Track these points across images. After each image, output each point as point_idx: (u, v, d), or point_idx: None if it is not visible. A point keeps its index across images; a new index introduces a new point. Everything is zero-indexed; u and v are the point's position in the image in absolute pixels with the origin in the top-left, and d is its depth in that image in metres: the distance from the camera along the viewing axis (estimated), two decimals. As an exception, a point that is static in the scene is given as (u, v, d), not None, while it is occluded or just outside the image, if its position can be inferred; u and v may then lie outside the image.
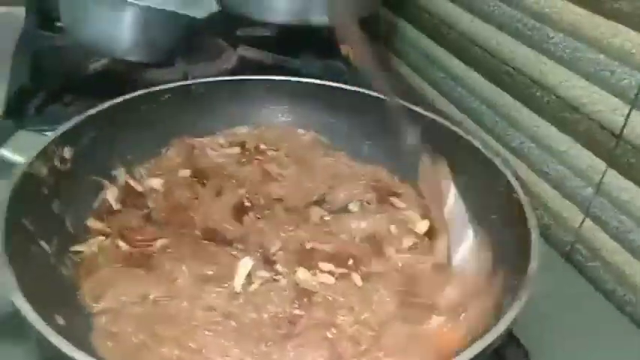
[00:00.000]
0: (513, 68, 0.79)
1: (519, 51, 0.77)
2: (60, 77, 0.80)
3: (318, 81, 0.73)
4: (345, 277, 0.54)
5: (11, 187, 0.48)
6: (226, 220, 0.59)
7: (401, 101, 0.61)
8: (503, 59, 0.80)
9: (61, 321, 0.43)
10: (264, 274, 0.53)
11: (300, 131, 0.74)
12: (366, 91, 0.70)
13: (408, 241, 0.59)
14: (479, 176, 0.60)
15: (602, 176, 0.67)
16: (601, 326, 0.60)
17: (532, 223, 0.51)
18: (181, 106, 0.69)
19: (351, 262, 0.55)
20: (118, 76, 0.83)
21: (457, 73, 0.91)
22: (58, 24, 0.86)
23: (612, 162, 0.66)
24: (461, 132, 0.65)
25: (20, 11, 0.91)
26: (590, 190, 0.69)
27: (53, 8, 0.84)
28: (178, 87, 0.69)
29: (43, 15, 0.91)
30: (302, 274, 0.53)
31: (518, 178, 0.58)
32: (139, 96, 0.65)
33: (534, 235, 0.50)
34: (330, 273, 0.54)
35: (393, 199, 0.65)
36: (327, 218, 0.61)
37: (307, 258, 0.55)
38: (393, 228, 0.60)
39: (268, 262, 0.55)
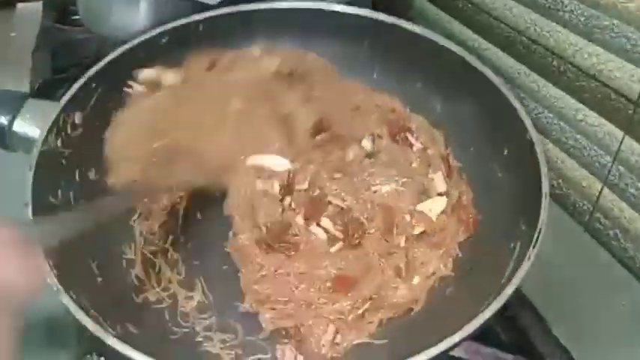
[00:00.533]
0: (528, 38, 0.78)
1: (534, 20, 0.76)
2: (81, 70, 0.82)
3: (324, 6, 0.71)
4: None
5: (32, 168, 0.50)
6: None
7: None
8: (518, 29, 0.80)
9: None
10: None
11: (313, 55, 0.71)
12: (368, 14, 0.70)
13: (419, 228, 0.58)
14: (493, 110, 0.62)
15: (620, 144, 0.67)
16: (619, 294, 0.60)
17: (542, 160, 0.54)
18: (181, 46, 0.67)
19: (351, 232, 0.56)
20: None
21: (472, 45, 0.90)
22: (76, 17, 0.88)
23: (630, 129, 0.65)
24: (475, 62, 0.67)
25: (38, 6, 0.93)
26: (608, 159, 0.69)
27: (70, 2, 0.86)
28: (176, 27, 0.68)
29: (61, 9, 0.93)
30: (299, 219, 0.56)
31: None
32: (138, 44, 0.65)
33: (544, 169, 0.52)
34: (325, 231, 0.56)
35: (408, 135, 0.66)
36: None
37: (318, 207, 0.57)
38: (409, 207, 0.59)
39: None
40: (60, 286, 0.42)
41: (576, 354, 0.50)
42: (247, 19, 0.70)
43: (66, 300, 0.41)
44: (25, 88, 0.75)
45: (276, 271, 0.53)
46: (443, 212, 0.58)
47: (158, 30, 0.67)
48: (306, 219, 0.56)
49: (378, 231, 0.56)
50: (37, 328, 0.54)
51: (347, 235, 0.55)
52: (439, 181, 0.61)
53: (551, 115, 0.76)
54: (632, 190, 0.66)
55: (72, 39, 0.87)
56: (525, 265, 0.42)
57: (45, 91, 0.76)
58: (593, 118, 0.70)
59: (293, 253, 0.54)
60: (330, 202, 0.57)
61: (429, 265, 0.54)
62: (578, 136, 0.72)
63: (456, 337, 0.38)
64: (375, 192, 0.58)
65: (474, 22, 0.90)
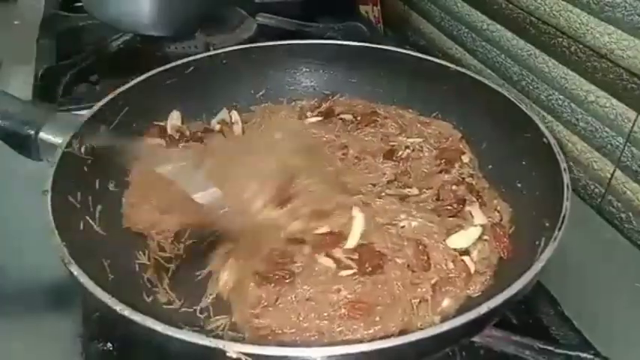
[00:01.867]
0: (538, 19, 0.76)
1: (544, 0, 0.75)
2: (84, 57, 0.81)
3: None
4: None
5: (53, 166, 0.50)
6: None
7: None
8: (527, 9, 0.78)
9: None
10: None
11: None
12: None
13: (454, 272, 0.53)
14: (506, 123, 0.61)
15: (633, 125, 0.65)
16: (633, 276, 0.60)
17: (563, 165, 0.52)
18: (207, 75, 0.69)
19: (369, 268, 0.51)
20: (141, 52, 0.84)
21: (481, 27, 0.89)
22: (78, 4, 0.87)
23: (643, 110, 0.64)
24: (486, 81, 0.65)
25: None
26: (620, 140, 0.67)
27: (72, -11, 0.85)
28: (202, 58, 0.69)
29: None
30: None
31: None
32: (164, 70, 0.65)
33: (566, 177, 0.50)
34: (336, 261, 0.52)
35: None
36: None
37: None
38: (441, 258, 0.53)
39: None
40: (71, 259, 0.42)
41: (591, 336, 0.49)
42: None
43: (77, 272, 0.41)
44: (30, 75, 0.75)
45: (277, 300, 0.48)
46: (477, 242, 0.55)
47: (185, 60, 0.68)
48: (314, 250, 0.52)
49: (405, 260, 0.51)
50: (41, 295, 0.55)
51: (361, 264, 0.50)
52: (477, 214, 0.57)
53: (561, 97, 0.75)
54: (645, 172, 0.65)
55: (75, 26, 0.87)
56: (551, 246, 0.42)
57: (49, 78, 0.76)
58: (604, 99, 0.68)
59: (291, 279, 0.49)
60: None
61: (460, 291, 0.49)
62: (590, 118, 0.71)
63: (484, 308, 0.38)
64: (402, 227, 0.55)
65: (482, 4, 0.88)
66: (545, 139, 0.54)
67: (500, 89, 0.63)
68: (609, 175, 0.70)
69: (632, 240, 0.66)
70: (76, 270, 0.40)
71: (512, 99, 0.61)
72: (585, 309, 0.52)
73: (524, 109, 0.58)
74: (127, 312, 0.37)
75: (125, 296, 0.40)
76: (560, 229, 0.44)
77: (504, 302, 0.38)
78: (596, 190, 0.72)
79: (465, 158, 0.64)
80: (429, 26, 1.04)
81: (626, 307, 0.54)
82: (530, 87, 0.80)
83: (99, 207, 0.53)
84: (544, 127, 0.55)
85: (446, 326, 0.36)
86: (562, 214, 0.45)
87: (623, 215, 0.69)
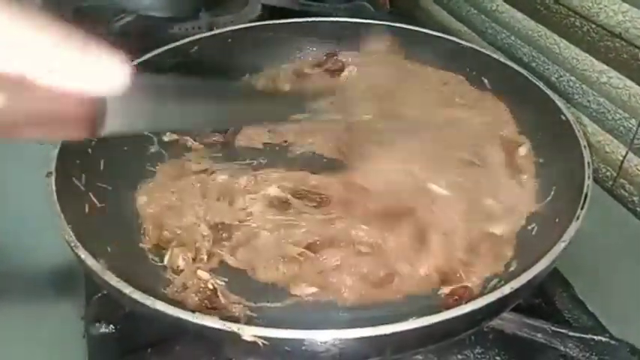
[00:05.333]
0: (549, -2, 0.75)
1: (555, -21, 0.73)
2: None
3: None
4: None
5: (56, 148, 0.50)
6: None
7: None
8: (538, -11, 0.77)
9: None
10: None
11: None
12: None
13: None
14: (524, 100, 0.61)
15: (647, 106, 0.64)
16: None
17: (583, 142, 0.52)
18: (212, 56, 0.68)
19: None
20: (144, 33, 0.82)
21: (490, 7, 0.87)
22: (80, -16, 0.86)
23: (657, 91, 0.63)
24: (503, 59, 0.65)
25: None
26: (633, 122, 0.66)
27: (77, -32, 0.84)
28: (206, 37, 0.68)
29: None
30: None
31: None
32: (166, 51, 0.64)
33: (586, 154, 0.50)
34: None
35: None
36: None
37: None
38: None
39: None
40: (78, 242, 0.41)
41: (604, 319, 0.48)
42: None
43: (84, 254, 0.40)
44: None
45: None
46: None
47: (195, 37, 0.67)
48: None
49: None
50: (42, 277, 0.55)
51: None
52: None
53: (573, 78, 0.73)
54: (659, 154, 0.64)
55: (77, 7, 0.85)
56: (575, 225, 0.41)
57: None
58: (617, 79, 0.67)
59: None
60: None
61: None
62: (602, 100, 0.69)
63: (507, 289, 0.37)
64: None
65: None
66: (563, 116, 0.53)
67: (516, 66, 0.62)
68: (621, 158, 0.68)
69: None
70: (83, 253, 0.39)
71: (531, 77, 0.60)
72: (598, 291, 0.51)
73: (542, 87, 0.57)
74: (138, 295, 0.36)
75: (132, 278, 0.39)
76: (582, 207, 0.43)
77: (528, 282, 0.37)
78: (608, 173, 0.71)
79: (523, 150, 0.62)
80: (437, 7, 1.02)
81: (638, 290, 0.53)
82: (541, 68, 0.78)
83: (104, 189, 0.52)
84: (562, 104, 0.54)
85: (468, 307, 0.35)
86: (584, 192, 0.44)
87: (635, 198, 0.68)
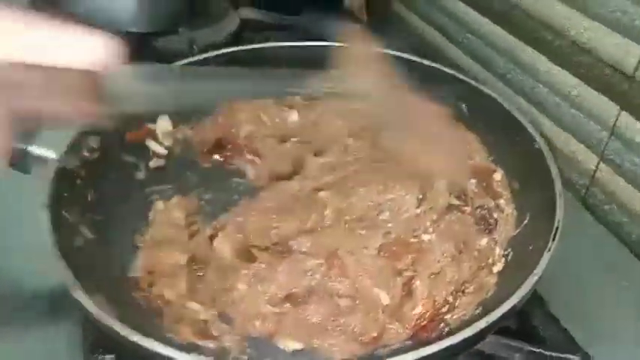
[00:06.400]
0: (523, 11, 0.77)
1: (528, -7, 0.75)
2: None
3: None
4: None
5: (49, 184, 0.50)
6: None
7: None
8: (512, 2, 0.78)
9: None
10: None
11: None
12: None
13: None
14: (498, 127, 0.61)
15: (616, 119, 0.67)
16: (616, 269, 0.61)
17: (554, 171, 0.53)
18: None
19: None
20: (128, 48, 0.82)
21: (466, 19, 0.89)
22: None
23: (626, 104, 0.65)
24: (479, 85, 0.66)
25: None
26: (604, 134, 0.69)
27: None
28: (193, 62, 0.67)
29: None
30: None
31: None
32: None
33: (557, 185, 0.51)
34: None
35: None
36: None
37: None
38: None
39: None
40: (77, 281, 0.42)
41: (577, 335, 0.50)
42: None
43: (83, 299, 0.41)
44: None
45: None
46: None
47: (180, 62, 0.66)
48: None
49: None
50: (38, 303, 0.55)
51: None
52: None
53: (546, 89, 0.75)
54: (629, 165, 0.66)
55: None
56: (546, 256, 0.43)
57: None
58: (589, 93, 0.69)
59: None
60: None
61: None
62: (574, 112, 0.72)
63: (483, 323, 0.39)
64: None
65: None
66: (536, 144, 0.55)
67: (489, 91, 0.63)
68: (594, 168, 0.71)
69: (616, 233, 0.68)
70: (81, 297, 0.40)
71: (504, 103, 0.62)
72: (572, 308, 0.53)
73: (515, 115, 0.59)
74: (137, 338, 0.38)
75: (125, 312, 0.40)
76: (554, 239, 0.45)
77: (502, 315, 0.39)
78: (581, 182, 0.73)
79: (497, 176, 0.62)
80: (413, 16, 1.04)
81: (612, 304, 0.56)
82: (516, 79, 0.80)
83: (94, 219, 0.53)
84: (535, 132, 0.56)
85: (446, 343, 0.37)
86: (555, 226, 0.46)
87: (606, 207, 0.70)
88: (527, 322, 0.51)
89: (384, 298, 0.49)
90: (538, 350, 0.45)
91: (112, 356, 0.48)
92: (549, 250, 0.44)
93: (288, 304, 0.50)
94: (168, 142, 0.63)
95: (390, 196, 0.56)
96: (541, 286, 0.54)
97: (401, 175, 0.57)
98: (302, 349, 0.48)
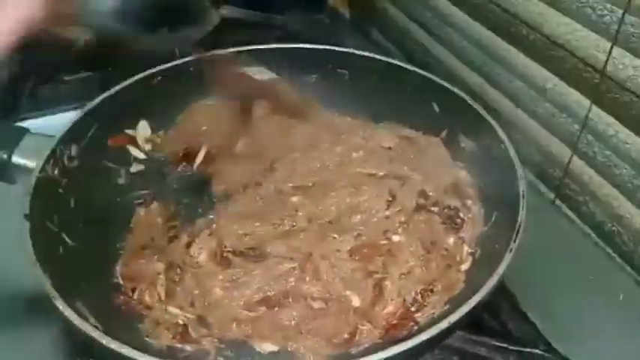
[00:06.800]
0: (498, 6, 0.77)
1: (503, -12, 0.76)
2: (47, 59, 0.80)
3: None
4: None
5: (29, 194, 0.51)
6: None
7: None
8: (488, -4, 0.79)
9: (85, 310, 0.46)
10: None
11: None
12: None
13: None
14: (467, 126, 0.63)
15: (588, 113, 0.68)
16: (583, 263, 0.63)
17: (519, 172, 0.54)
18: (175, 85, 0.69)
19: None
20: (102, 50, 0.83)
21: (444, 12, 0.89)
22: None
23: (597, 98, 0.66)
24: (450, 86, 0.67)
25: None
26: (576, 127, 0.70)
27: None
28: (168, 68, 0.69)
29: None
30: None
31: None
32: (133, 83, 0.66)
33: (522, 185, 0.52)
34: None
35: None
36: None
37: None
38: None
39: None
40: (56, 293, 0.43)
41: (544, 329, 0.52)
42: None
43: (62, 306, 0.43)
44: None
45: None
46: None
47: (156, 69, 0.68)
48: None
49: None
50: (18, 307, 0.57)
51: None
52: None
53: (521, 83, 0.77)
54: (600, 158, 0.68)
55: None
56: (507, 257, 0.45)
57: (12, 86, 0.76)
58: (561, 86, 0.70)
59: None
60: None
61: None
62: (548, 105, 0.73)
63: (445, 323, 0.40)
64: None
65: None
66: (502, 145, 0.56)
67: (457, 90, 0.64)
68: (567, 160, 0.73)
69: (590, 222, 0.70)
70: (61, 305, 0.42)
71: (471, 102, 0.63)
72: (540, 302, 0.55)
73: (483, 114, 0.60)
74: (115, 345, 0.39)
75: (104, 318, 0.42)
76: (515, 240, 0.46)
77: (465, 315, 0.41)
78: (555, 173, 0.75)
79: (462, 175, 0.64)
80: (394, 10, 1.04)
81: (579, 297, 0.58)
82: (493, 73, 0.81)
83: (75, 226, 0.54)
84: (502, 132, 0.57)
85: (410, 343, 0.39)
86: (517, 225, 0.47)
87: (580, 198, 0.72)
88: (496, 317, 0.53)
89: (355, 301, 0.51)
90: (503, 345, 0.47)
91: (92, 360, 0.50)
92: (511, 251, 0.45)
93: (263, 308, 0.51)
94: (148, 147, 0.64)
95: (360, 199, 0.58)
96: (510, 280, 0.56)
97: (370, 178, 0.59)
98: (278, 351, 0.49)
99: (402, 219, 0.57)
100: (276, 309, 0.51)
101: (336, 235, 0.55)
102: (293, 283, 0.53)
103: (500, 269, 0.44)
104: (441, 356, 0.49)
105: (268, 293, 0.52)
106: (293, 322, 0.50)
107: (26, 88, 0.77)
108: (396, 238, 0.56)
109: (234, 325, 0.50)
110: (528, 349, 0.47)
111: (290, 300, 0.52)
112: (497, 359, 0.47)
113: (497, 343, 0.47)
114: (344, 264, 0.53)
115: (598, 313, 0.56)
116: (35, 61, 0.81)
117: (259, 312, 0.51)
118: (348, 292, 0.51)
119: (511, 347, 0.47)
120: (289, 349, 0.49)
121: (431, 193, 0.60)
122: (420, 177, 0.62)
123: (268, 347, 0.49)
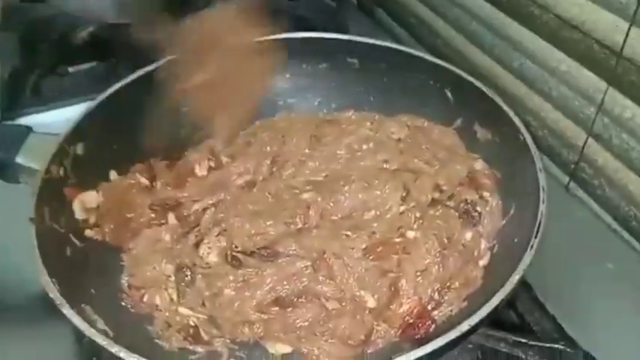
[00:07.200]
0: (510, -15, 0.75)
1: (515, -33, 0.74)
2: (51, 51, 0.79)
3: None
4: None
5: (34, 196, 0.50)
6: None
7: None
8: (498, -24, 0.77)
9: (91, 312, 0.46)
10: None
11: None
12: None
13: None
14: (483, 116, 0.61)
15: (604, 95, 0.66)
16: (603, 252, 0.62)
17: (539, 165, 0.52)
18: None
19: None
20: (108, 41, 0.82)
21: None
22: (40, -6, 0.84)
23: (613, 81, 0.64)
24: (466, 75, 0.65)
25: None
26: (592, 110, 0.68)
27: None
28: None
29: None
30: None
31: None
32: (137, 78, 0.64)
33: (542, 179, 0.51)
34: None
35: None
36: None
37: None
38: None
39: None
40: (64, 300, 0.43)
41: (563, 321, 0.51)
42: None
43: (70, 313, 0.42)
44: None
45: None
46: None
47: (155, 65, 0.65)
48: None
49: None
50: (36, 308, 0.54)
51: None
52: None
53: (535, 65, 0.75)
54: (617, 141, 0.66)
55: (38, 17, 0.84)
56: (528, 255, 0.44)
57: (16, 79, 0.74)
58: (576, 69, 0.69)
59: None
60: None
61: None
62: (562, 87, 0.71)
63: (465, 326, 0.39)
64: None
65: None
66: (521, 136, 0.54)
67: (474, 80, 0.63)
68: (582, 143, 0.71)
69: (605, 206, 0.69)
70: (67, 311, 0.41)
71: (489, 92, 0.61)
72: (558, 293, 0.54)
73: (500, 105, 0.58)
74: (123, 354, 0.39)
75: (113, 320, 0.41)
76: (536, 236, 0.45)
77: (485, 317, 0.40)
78: (570, 157, 0.73)
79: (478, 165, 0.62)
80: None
81: (599, 287, 0.57)
82: (504, 55, 0.79)
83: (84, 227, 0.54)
84: (519, 122, 0.55)
85: (429, 347, 0.38)
86: (538, 220, 0.46)
87: (595, 182, 0.71)
88: (513, 308, 0.52)
89: (370, 301, 0.50)
90: (523, 340, 0.46)
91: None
92: (532, 249, 0.44)
93: (276, 308, 0.51)
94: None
95: (373, 194, 0.56)
96: (527, 271, 0.55)
97: (382, 172, 0.57)
98: (291, 353, 0.49)
99: (417, 214, 0.56)
100: (289, 309, 0.50)
101: (349, 233, 0.54)
102: (306, 283, 0.52)
103: (521, 268, 0.43)
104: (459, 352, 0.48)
105: (281, 294, 0.51)
106: (307, 323, 0.50)
107: (29, 83, 0.75)
108: (410, 234, 0.55)
109: (246, 326, 0.50)
110: (548, 345, 0.46)
111: (303, 300, 0.51)
112: (518, 354, 0.46)
113: (517, 339, 0.46)
114: (358, 263, 0.52)
115: (619, 304, 0.55)
116: (37, 53, 0.79)
117: (271, 313, 0.50)
118: (362, 292, 0.50)
119: (530, 342, 0.46)
120: (304, 350, 0.48)
121: (445, 187, 0.59)
122: (433, 170, 0.61)
123: (281, 349, 0.49)
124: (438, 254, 0.52)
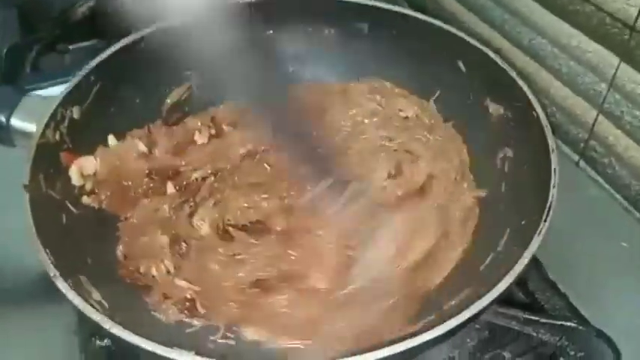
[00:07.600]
0: (519, -41, 0.73)
1: (525, -60, 0.72)
2: (50, 27, 0.78)
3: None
4: None
5: (29, 162, 0.49)
6: None
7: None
8: (507, -51, 0.75)
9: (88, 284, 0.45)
10: None
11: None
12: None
13: None
14: (496, 88, 0.59)
15: (616, 71, 0.65)
16: (614, 229, 0.61)
17: (552, 145, 0.51)
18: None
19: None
20: (108, 16, 0.80)
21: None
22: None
23: (626, 55, 0.63)
24: (481, 46, 0.63)
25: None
26: (603, 86, 0.67)
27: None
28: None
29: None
30: None
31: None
32: (135, 41, 0.61)
33: (554, 161, 0.49)
34: None
35: None
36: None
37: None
38: None
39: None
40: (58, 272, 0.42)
41: (575, 298, 0.51)
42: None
43: (64, 287, 0.41)
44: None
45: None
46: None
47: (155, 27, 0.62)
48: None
49: None
50: (36, 288, 0.54)
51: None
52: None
53: (544, 40, 0.73)
54: (628, 118, 0.65)
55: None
56: (536, 241, 0.42)
57: (15, 55, 0.73)
58: (587, 43, 0.67)
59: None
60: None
61: None
62: (572, 63, 0.70)
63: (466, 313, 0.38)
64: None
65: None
66: (534, 112, 0.52)
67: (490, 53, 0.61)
68: (592, 121, 0.70)
69: (615, 184, 0.68)
70: (62, 285, 0.40)
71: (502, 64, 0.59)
72: (570, 270, 0.53)
73: (514, 77, 0.56)
74: (116, 330, 0.38)
75: (109, 291, 0.40)
76: (545, 220, 0.43)
77: (489, 304, 0.39)
78: (580, 135, 0.72)
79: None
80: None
81: (610, 265, 0.56)
82: (514, 31, 0.78)
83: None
84: (534, 98, 0.54)
85: (438, 331, 0.37)
86: (548, 204, 0.44)
87: (605, 160, 0.70)
88: (525, 287, 0.51)
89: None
90: (534, 318, 0.45)
91: (108, 341, 0.48)
92: (539, 234, 0.42)
93: (257, 290, 0.49)
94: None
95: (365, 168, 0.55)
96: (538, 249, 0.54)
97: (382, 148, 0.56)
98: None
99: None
100: (273, 294, 0.49)
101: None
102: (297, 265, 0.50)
103: (528, 254, 0.41)
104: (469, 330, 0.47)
105: (268, 273, 0.50)
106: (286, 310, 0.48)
107: (28, 59, 0.74)
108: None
109: (227, 305, 0.48)
110: (560, 322, 0.45)
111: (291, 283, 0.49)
112: (529, 332, 0.45)
113: (528, 317, 0.46)
114: None
115: (630, 282, 0.54)
116: (36, 30, 0.78)
117: (252, 295, 0.49)
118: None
119: (542, 320, 0.46)
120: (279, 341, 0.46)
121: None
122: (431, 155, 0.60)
123: (255, 334, 0.47)
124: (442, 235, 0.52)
